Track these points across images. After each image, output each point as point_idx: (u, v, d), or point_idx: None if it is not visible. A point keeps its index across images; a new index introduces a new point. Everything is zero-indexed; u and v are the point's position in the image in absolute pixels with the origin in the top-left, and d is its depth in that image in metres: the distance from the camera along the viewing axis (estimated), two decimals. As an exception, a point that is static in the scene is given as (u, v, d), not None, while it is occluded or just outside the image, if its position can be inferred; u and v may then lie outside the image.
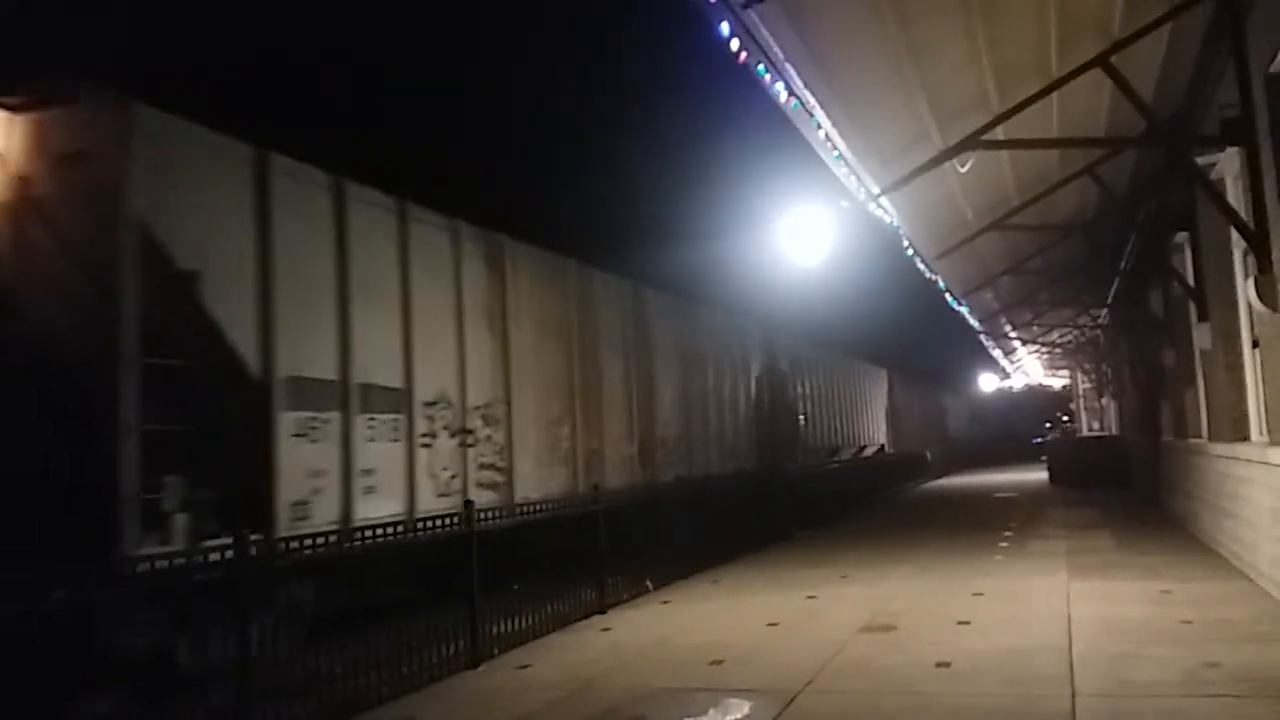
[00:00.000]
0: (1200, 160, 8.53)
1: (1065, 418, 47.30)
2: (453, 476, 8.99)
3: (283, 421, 7.20)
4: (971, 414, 47.11)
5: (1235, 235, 8.01)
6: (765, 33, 7.26)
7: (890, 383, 30.28)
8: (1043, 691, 5.47)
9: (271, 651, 5.66)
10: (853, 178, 10.04)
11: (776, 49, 7.51)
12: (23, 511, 5.94)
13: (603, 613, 8.74)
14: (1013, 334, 25.24)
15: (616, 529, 9.33)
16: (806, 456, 19.62)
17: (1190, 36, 8.21)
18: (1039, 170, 11.46)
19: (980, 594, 8.66)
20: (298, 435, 7.31)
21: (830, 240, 8.56)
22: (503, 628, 7.50)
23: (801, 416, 20.30)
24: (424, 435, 8.69)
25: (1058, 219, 13.27)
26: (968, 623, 7.40)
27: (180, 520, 6.40)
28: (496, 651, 7.26)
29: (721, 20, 7.05)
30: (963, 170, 10.17)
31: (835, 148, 9.31)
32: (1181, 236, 10.84)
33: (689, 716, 5.68)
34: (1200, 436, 11.17)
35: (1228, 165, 8.46)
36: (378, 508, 7.86)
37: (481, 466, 9.48)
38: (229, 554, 5.32)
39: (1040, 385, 45.27)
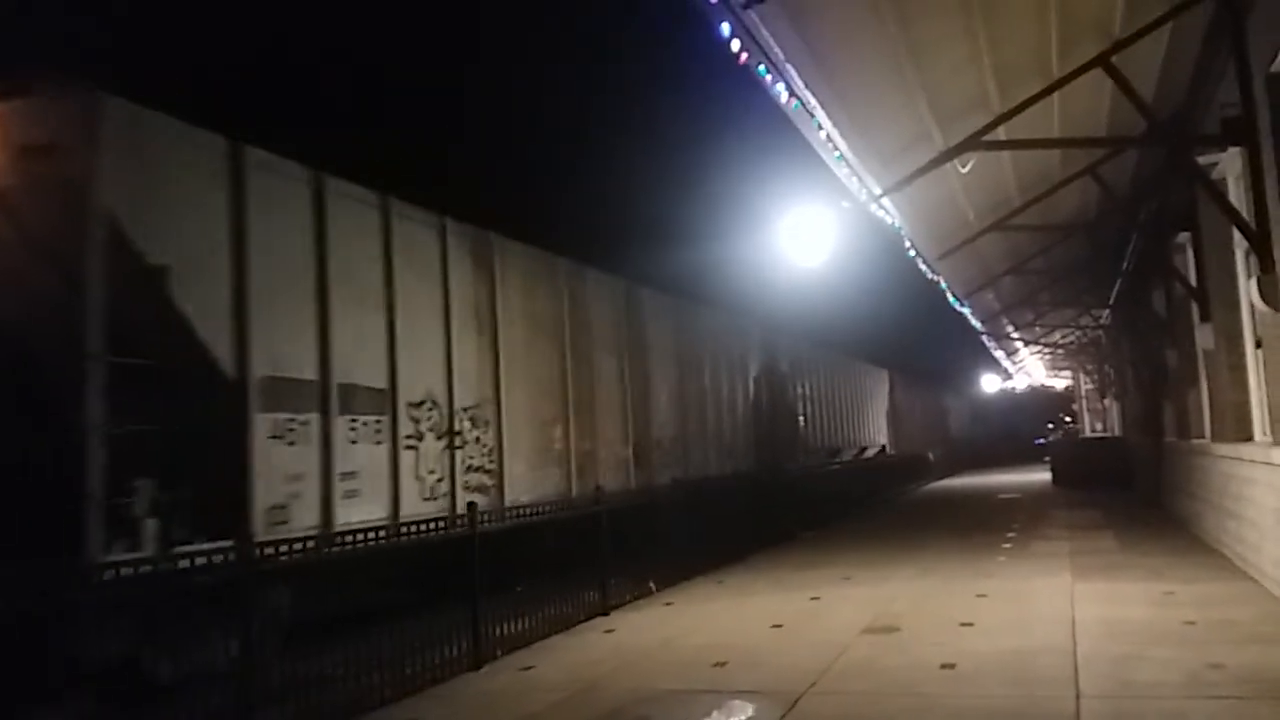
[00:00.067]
0: (1201, 160, 8.53)
1: (1068, 418, 47.26)
2: (439, 480, 8.82)
3: (259, 423, 6.97)
4: (974, 415, 47.02)
5: (1237, 235, 8.02)
6: (766, 33, 7.26)
7: (892, 384, 30.24)
8: (1046, 693, 5.46)
9: (254, 657, 5.48)
10: (854, 178, 10.04)
11: (777, 49, 7.51)
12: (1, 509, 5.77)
13: (606, 614, 8.73)
14: (1014, 334, 25.22)
15: (614, 531, 9.28)
16: (807, 457, 19.57)
17: (1191, 36, 8.20)
18: (1040, 170, 11.46)
19: (983, 595, 8.65)
20: (274, 437, 7.11)
21: (831, 241, 8.59)
22: (505, 629, 7.49)
23: (801, 418, 20.28)
24: (409, 437, 8.48)
25: (1059, 219, 13.27)
26: (971, 624, 7.39)
27: (150, 525, 6.19)
28: (499, 653, 7.25)
29: (722, 21, 7.06)
30: (964, 171, 10.18)
31: (836, 148, 9.31)
32: (1183, 236, 10.83)
33: (694, 718, 5.67)
34: (1203, 437, 11.15)
35: (1229, 165, 8.46)
36: (360, 512, 7.66)
37: (470, 469, 9.30)
38: (200, 560, 5.15)
39: (1042, 386, 45.24)
